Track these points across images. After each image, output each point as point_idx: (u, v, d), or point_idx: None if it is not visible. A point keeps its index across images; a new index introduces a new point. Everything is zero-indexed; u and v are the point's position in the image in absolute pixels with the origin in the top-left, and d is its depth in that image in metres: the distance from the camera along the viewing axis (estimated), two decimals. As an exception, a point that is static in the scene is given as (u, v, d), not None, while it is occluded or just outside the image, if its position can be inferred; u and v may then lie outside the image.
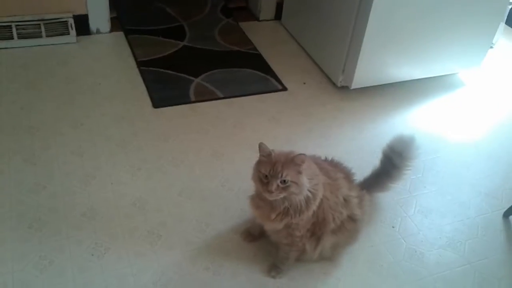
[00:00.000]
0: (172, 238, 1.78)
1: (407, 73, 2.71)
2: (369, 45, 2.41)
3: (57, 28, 2.68)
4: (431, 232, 1.95)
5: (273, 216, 1.50)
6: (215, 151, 2.18)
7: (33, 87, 2.39)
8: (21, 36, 2.62)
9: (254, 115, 2.43)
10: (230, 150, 2.19)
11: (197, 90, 2.53)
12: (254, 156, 1.48)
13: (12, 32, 2.59)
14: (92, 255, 1.68)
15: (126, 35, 2.89)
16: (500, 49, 3.27)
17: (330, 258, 1.74)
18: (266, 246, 1.77)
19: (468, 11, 2.54)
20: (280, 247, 1.67)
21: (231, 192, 1.99)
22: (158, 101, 2.41)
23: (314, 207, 1.50)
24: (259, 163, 1.46)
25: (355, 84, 2.58)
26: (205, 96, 2.51)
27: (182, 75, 2.63)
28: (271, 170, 1.40)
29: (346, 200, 1.62)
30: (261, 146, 1.44)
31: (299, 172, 1.42)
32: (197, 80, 2.61)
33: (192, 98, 2.48)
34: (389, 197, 2.03)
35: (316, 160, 1.66)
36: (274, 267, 1.70)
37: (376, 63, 2.54)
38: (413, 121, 2.55)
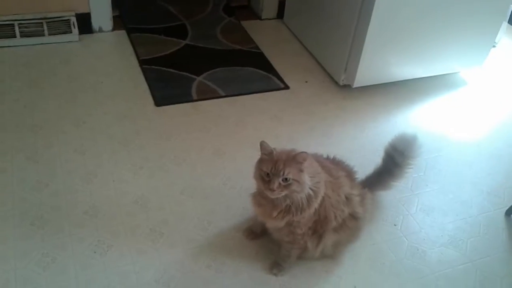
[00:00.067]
0: (174, 236, 1.78)
1: (409, 72, 2.70)
2: (371, 44, 2.41)
3: (59, 26, 2.68)
4: (433, 230, 1.95)
5: (274, 214, 1.50)
6: (217, 149, 2.18)
7: (36, 85, 2.40)
8: (23, 35, 2.63)
9: (256, 114, 2.43)
10: (232, 149, 2.19)
11: (199, 89, 2.54)
12: (256, 155, 1.48)
13: (14, 31, 2.59)
14: (95, 252, 1.68)
15: (128, 34, 2.89)
16: (502, 49, 3.26)
17: (331, 256, 1.74)
18: (268, 244, 1.77)
19: (471, 10, 2.53)
20: (282, 245, 1.67)
21: (233, 190, 2.00)
22: (160, 100, 2.42)
23: (315, 205, 1.51)
24: (260, 161, 1.46)
25: (357, 83, 2.58)
26: (207, 94, 2.51)
27: (184, 73, 2.63)
28: (272, 168, 1.40)
29: (348, 198, 1.62)
30: (262, 145, 1.44)
31: (301, 170, 1.42)
32: (199, 78, 2.61)
33: (194, 96, 2.48)
34: (391, 195, 2.03)
35: (318, 158, 1.65)
36: (276, 265, 1.70)
37: (378, 62, 2.54)
38: (415, 119, 2.55)
